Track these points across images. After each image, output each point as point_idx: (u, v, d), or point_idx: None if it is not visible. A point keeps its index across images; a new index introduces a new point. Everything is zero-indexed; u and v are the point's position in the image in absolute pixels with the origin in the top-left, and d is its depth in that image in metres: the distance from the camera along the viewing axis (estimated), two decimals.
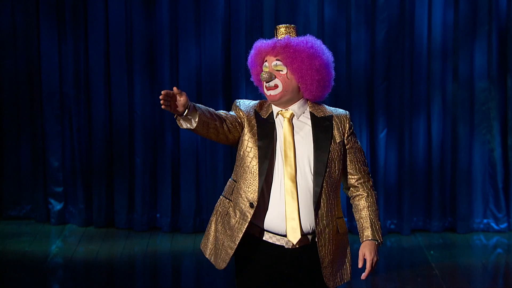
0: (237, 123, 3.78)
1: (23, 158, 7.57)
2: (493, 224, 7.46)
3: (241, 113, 3.82)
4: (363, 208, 3.85)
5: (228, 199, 3.86)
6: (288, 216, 3.74)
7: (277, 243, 3.79)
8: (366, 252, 3.78)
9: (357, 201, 3.87)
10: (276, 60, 3.79)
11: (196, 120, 3.59)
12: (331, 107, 3.89)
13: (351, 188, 3.88)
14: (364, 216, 3.84)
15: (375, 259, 3.79)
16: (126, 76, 7.40)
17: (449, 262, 6.79)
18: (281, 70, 3.79)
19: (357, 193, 3.87)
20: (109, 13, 7.33)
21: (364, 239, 3.81)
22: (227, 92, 7.36)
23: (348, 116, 3.87)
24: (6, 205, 7.66)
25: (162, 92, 3.49)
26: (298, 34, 3.85)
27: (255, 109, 3.84)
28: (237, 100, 3.89)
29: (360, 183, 3.85)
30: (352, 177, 3.86)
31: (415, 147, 7.39)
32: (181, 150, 7.42)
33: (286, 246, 3.78)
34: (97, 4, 7.31)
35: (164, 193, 7.46)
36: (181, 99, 3.55)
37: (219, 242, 3.86)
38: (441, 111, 7.37)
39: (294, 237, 3.75)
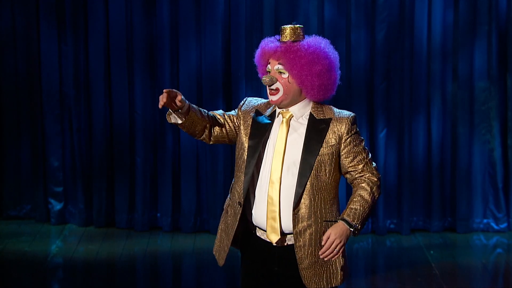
0: (230, 125, 3.89)
1: (23, 158, 7.57)
2: (493, 224, 7.46)
3: (239, 113, 3.90)
4: (354, 193, 3.79)
5: (229, 197, 3.94)
6: (269, 215, 3.76)
7: (267, 239, 3.82)
8: (332, 232, 3.70)
9: (354, 191, 3.82)
10: (278, 64, 3.78)
11: (187, 117, 3.76)
12: (337, 109, 3.83)
13: (354, 182, 3.82)
14: (352, 199, 3.78)
15: (337, 241, 3.70)
16: (127, 76, 7.40)
17: (449, 262, 6.79)
18: (283, 74, 3.79)
19: (357, 187, 3.81)
20: (109, 13, 7.33)
21: (339, 219, 3.74)
22: (227, 92, 7.36)
23: (350, 119, 3.78)
24: (6, 205, 7.66)
25: (165, 90, 3.65)
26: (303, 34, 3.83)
27: (257, 108, 3.88)
28: (246, 98, 3.97)
29: (360, 178, 3.79)
30: (352, 174, 3.81)
31: (414, 147, 7.39)
32: (182, 150, 7.42)
33: (274, 244, 3.80)
34: (97, 4, 7.31)
35: (164, 192, 7.46)
36: (178, 97, 3.70)
37: (222, 239, 3.94)
38: (441, 111, 7.37)
39: (273, 236, 3.77)
